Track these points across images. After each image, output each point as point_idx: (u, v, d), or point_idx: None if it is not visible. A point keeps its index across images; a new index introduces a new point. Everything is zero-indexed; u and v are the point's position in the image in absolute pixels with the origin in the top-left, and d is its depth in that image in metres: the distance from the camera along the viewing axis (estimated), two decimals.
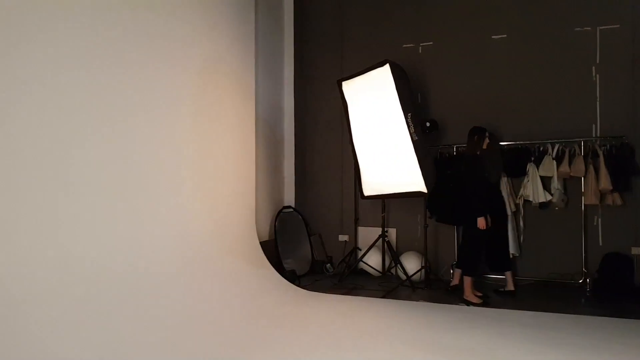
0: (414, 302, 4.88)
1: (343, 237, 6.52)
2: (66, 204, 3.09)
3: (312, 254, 6.29)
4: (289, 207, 6.29)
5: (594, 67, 5.46)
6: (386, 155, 4.88)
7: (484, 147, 4.99)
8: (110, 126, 3.48)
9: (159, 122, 3.96)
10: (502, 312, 4.53)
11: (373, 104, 4.91)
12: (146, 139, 3.80)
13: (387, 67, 4.60)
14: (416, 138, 4.53)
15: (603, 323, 4.13)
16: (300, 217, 6.34)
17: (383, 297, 5.07)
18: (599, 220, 5.44)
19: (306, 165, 6.69)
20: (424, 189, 4.60)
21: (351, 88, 5.16)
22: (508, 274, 5.09)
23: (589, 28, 5.45)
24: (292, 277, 5.51)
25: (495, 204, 5.11)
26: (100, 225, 3.35)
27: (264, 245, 5.57)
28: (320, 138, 6.68)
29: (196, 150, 4.42)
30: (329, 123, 6.60)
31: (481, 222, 4.77)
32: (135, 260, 3.60)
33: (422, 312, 4.52)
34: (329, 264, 6.31)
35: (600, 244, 5.44)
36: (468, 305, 4.80)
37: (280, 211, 6.12)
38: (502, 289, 5.24)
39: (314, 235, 6.50)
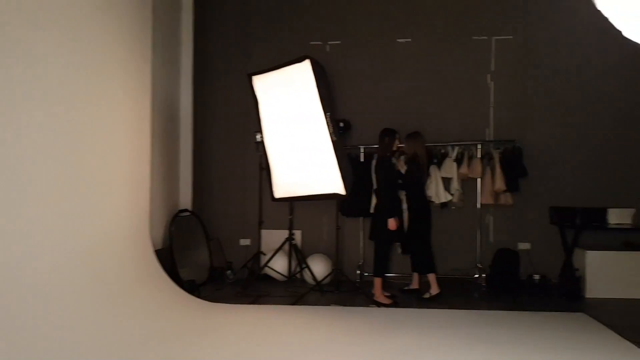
0: (326, 307, 4.77)
1: (245, 242, 6.17)
2: None
3: (211, 261, 5.84)
4: (186, 210, 5.76)
5: (488, 75, 5.84)
6: (302, 156, 4.65)
7: (394, 148, 5.04)
8: None
9: (30, 118, 3.20)
10: (413, 312, 4.63)
11: (289, 101, 4.65)
12: (15, 138, 3.04)
13: (307, 63, 4.38)
14: (335, 138, 4.38)
15: (500, 316, 4.42)
16: (198, 221, 5.84)
17: (294, 303, 4.86)
18: (491, 218, 5.83)
19: (205, 165, 6.21)
20: (341, 190, 4.46)
21: (264, 83, 4.83)
22: (431, 276, 5.10)
23: (485, 37, 5.82)
24: (191, 288, 5.04)
25: (420, 205, 5.15)
26: None
27: (159, 253, 5.01)
28: (221, 136, 6.26)
29: (75, 148, 3.70)
30: (231, 120, 6.21)
31: (392, 223, 4.80)
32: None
33: (334, 316, 4.44)
34: (229, 271, 5.92)
35: (491, 240, 5.83)
36: (379, 306, 4.81)
37: (176, 215, 5.56)
38: (407, 288, 5.36)
39: (213, 239, 6.05)
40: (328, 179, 4.56)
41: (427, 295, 5.05)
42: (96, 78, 3.99)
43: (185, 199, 5.86)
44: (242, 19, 6.27)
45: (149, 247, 4.86)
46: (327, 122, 4.40)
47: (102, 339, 3.31)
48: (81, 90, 3.78)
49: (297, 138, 4.68)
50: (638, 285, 5.09)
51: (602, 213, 5.46)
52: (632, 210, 5.46)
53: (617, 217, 5.46)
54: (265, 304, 4.91)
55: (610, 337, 3.76)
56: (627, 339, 3.63)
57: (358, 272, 5.88)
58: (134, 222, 4.65)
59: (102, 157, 4.11)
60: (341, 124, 5.20)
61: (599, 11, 3.18)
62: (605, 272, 5.17)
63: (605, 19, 3.06)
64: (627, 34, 3.18)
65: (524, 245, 5.76)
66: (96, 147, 4.01)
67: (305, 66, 4.41)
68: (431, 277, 5.05)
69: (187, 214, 5.77)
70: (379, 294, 4.91)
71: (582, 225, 5.32)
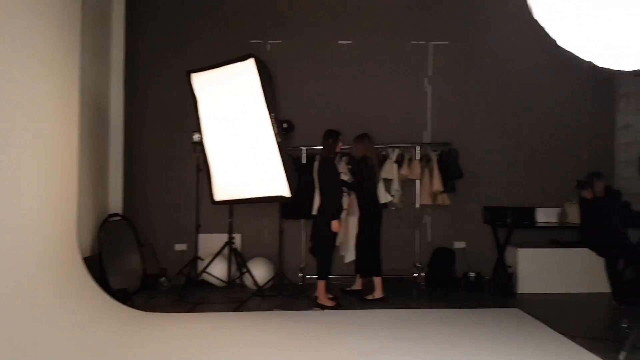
0: (268, 312, 4.68)
1: (180, 247, 5.89)
2: None
3: (144, 268, 5.52)
4: (116, 214, 5.40)
5: (426, 79, 5.99)
6: (245, 157, 4.48)
7: (338, 150, 5.01)
8: None
9: None
10: (355, 313, 4.64)
11: (231, 101, 4.46)
12: None
13: (251, 61, 4.22)
14: (280, 139, 4.26)
15: (440, 314, 4.57)
16: (129, 226, 5.50)
17: (235, 310, 4.70)
18: (429, 218, 5.98)
19: (138, 167, 5.88)
20: (286, 193, 4.35)
21: (204, 81, 4.60)
22: (377, 279, 5.07)
23: (423, 42, 5.96)
24: (123, 297, 4.73)
25: (371, 207, 5.13)
26: None
27: (88, 261, 4.67)
28: (155, 136, 5.95)
29: None
30: (167, 120, 5.92)
31: (335, 225, 4.78)
32: None
33: (277, 321, 4.38)
34: (163, 278, 5.63)
35: (429, 239, 5.98)
36: (323, 309, 4.77)
37: (105, 220, 5.20)
38: (349, 288, 5.37)
39: (145, 245, 5.73)
40: (272, 181, 4.42)
41: (370, 297, 5.06)
42: (19, 76, 3.64)
43: (116, 203, 5.51)
44: (178, 16, 6.02)
45: (76, 254, 4.52)
46: (272, 123, 4.28)
47: (27, 354, 3.02)
48: (1, 90, 3.42)
49: (240, 138, 4.51)
50: (564, 280, 5.40)
51: (531, 212, 5.78)
52: (558, 210, 5.82)
53: (544, 216, 5.80)
54: (204, 311, 4.73)
55: (543, 330, 3.97)
56: (558, 332, 3.84)
57: (300, 275, 5.80)
58: (60, 228, 4.29)
59: (25, 160, 3.75)
60: (285, 125, 5.09)
61: (535, 20, 3.32)
62: (534, 269, 5.45)
63: (541, 28, 3.21)
64: (561, 43, 3.36)
65: (459, 244, 5.96)
66: (19, 148, 3.65)
67: (249, 65, 4.25)
68: (377, 281, 5.07)
69: (118, 218, 5.42)
70: (322, 296, 4.87)
71: (513, 224, 5.59)
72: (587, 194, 5.26)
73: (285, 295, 5.21)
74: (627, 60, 3.26)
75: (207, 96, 4.65)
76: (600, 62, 3.34)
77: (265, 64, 4.39)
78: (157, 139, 5.98)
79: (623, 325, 3.98)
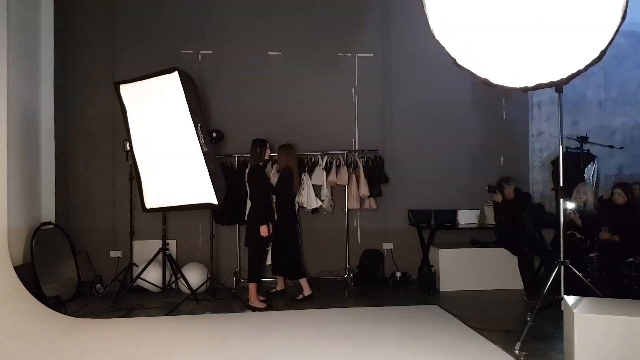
0: (201, 315, 4.83)
1: (115, 253, 5.97)
2: None
3: (79, 275, 5.58)
4: (49, 223, 5.44)
5: (353, 89, 6.30)
6: (173, 166, 4.65)
7: (266, 157, 5.24)
8: None
9: None
10: (284, 313, 4.85)
11: (158, 112, 4.63)
12: None
13: (175, 74, 4.40)
14: (207, 149, 4.46)
15: (366, 312, 4.84)
16: (62, 233, 5.55)
17: (168, 314, 4.84)
18: (358, 221, 6.29)
19: (70, 176, 5.92)
20: (214, 200, 4.56)
21: (132, 93, 4.74)
22: (302, 280, 5.33)
23: (350, 54, 6.28)
24: (57, 304, 4.80)
25: (288, 213, 5.39)
26: None
27: (20, 269, 4.72)
28: (87, 144, 6.00)
29: None
30: (98, 128, 5.97)
31: (263, 230, 4.98)
32: None
33: (209, 324, 4.52)
34: (98, 285, 5.69)
35: (359, 242, 6.28)
36: (254, 311, 4.96)
37: (38, 228, 5.24)
38: (273, 290, 5.61)
39: (80, 253, 5.78)
40: (200, 189, 4.62)
41: (300, 297, 5.31)
42: None
43: (49, 211, 5.54)
44: (108, 24, 6.08)
45: (7, 263, 4.57)
46: (198, 134, 4.48)
47: None
48: None
49: (168, 148, 4.68)
50: (481, 278, 5.74)
51: (452, 214, 6.17)
52: (477, 212, 6.23)
53: (465, 217, 6.20)
54: (138, 316, 4.83)
55: (455, 325, 4.29)
56: (470, 326, 4.17)
57: (234, 278, 5.98)
58: None
59: None
60: (214, 134, 5.27)
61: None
62: (455, 268, 5.78)
63: None
64: (460, 62, 3.70)
65: (387, 246, 6.29)
66: None
67: (174, 78, 4.44)
68: (302, 281, 5.33)
69: (51, 227, 5.46)
70: (254, 298, 5.05)
71: (436, 226, 5.96)
72: (497, 198, 5.69)
73: (219, 299, 5.37)
74: (516, 78, 3.65)
75: (135, 107, 4.80)
76: (495, 80, 3.72)
77: (190, 77, 4.59)
78: (90, 146, 6.02)
79: (528, 318, 4.35)
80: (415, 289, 5.84)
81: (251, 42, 6.19)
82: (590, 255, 5.05)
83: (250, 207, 5.23)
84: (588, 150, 6.29)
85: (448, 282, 5.76)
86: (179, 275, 5.53)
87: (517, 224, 5.60)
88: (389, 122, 6.37)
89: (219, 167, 4.91)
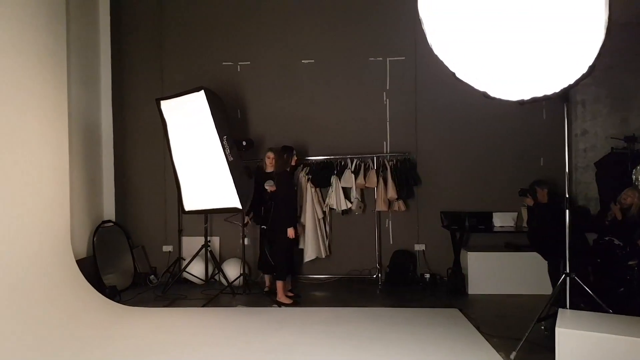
0: (232, 308, 5.24)
1: (167, 248, 6.64)
2: None
3: (135, 267, 6.30)
4: (109, 221, 6.21)
5: (384, 93, 6.40)
6: (204, 174, 5.17)
7: (293, 163, 5.56)
8: None
9: None
10: (307, 310, 5.12)
11: (190, 125, 5.15)
12: None
13: (202, 93, 4.90)
14: (231, 159, 4.91)
15: (390, 313, 4.96)
16: (121, 230, 6.29)
17: (204, 305, 5.34)
18: (390, 222, 6.41)
19: (127, 179, 6.64)
20: (239, 205, 5.00)
21: (169, 108, 5.31)
22: (279, 284, 5.41)
23: (381, 58, 6.38)
24: (113, 293, 5.50)
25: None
26: None
27: (83, 262, 5.46)
28: (142, 152, 6.68)
29: None
30: (151, 136, 6.60)
31: (291, 232, 5.32)
32: None
33: (238, 317, 4.91)
34: (152, 275, 6.39)
35: (391, 242, 6.42)
36: (280, 306, 5.30)
37: (99, 226, 6.01)
38: (266, 289, 5.83)
39: (137, 247, 6.51)
40: (227, 195, 5.08)
41: (266, 289, 5.72)
42: (11, 110, 4.41)
43: (110, 211, 6.30)
44: (157, 39, 6.66)
45: (70, 256, 5.29)
46: (223, 145, 4.93)
47: (22, 346, 3.75)
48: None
49: (199, 157, 5.20)
50: (512, 282, 5.65)
51: (488, 217, 6.10)
52: (514, 214, 6.11)
53: (501, 220, 6.11)
54: (180, 306, 5.36)
55: (467, 330, 4.33)
56: (483, 332, 4.24)
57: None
58: (54, 234, 5.06)
59: (22, 175, 4.53)
60: (244, 143, 5.68)
61: None
62: (484, 271, 5.74)
63: None
64: (459, 75, 3.75)
65: (419, 247, 6.36)
66: (15, 165, 4.44)
67: (200, 95, 4.92)
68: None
69: (111, 224, 6.21)
70: (281, 294, 5.39)
71: (470, 229, 5.94)
72: (529, 201, 5.54)
73: (254, 292, 5.76)
74: (513, 91, 3.65)
75: (172, 120, 5.35)
76: (493, 93, 3.74)
77: (215, 94, 5.03)
78: (144, 154, 6.68)
79: (542, 327, 4.29)
80: (444, 290, 5.88)
81: (285, 51, 6.50)
82: (630, 262, 4.82)
83: (275, 210, 5.46)
84: (638, 150, 5.88)
85: (477, 285, 5.73)
86: (218, 270, 6.04)
87: (549, 228, 5.43)
88: (421, 124, 6.39)
89: (245, 174, 5.31)
